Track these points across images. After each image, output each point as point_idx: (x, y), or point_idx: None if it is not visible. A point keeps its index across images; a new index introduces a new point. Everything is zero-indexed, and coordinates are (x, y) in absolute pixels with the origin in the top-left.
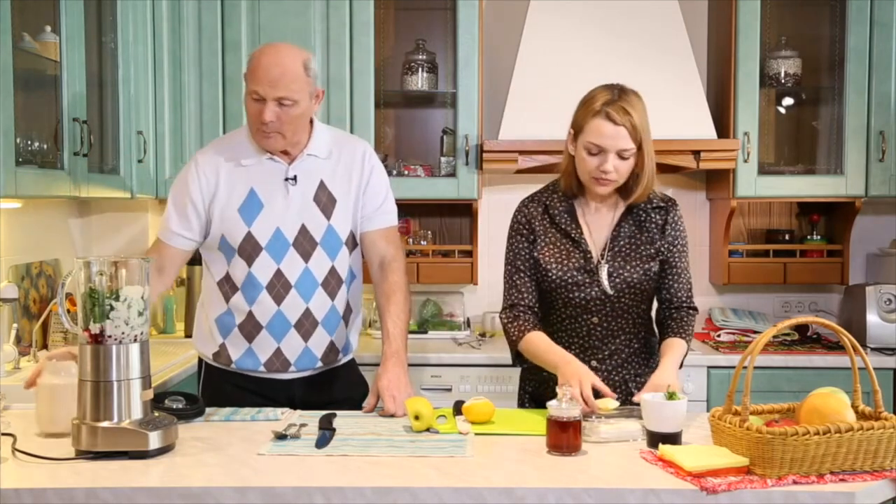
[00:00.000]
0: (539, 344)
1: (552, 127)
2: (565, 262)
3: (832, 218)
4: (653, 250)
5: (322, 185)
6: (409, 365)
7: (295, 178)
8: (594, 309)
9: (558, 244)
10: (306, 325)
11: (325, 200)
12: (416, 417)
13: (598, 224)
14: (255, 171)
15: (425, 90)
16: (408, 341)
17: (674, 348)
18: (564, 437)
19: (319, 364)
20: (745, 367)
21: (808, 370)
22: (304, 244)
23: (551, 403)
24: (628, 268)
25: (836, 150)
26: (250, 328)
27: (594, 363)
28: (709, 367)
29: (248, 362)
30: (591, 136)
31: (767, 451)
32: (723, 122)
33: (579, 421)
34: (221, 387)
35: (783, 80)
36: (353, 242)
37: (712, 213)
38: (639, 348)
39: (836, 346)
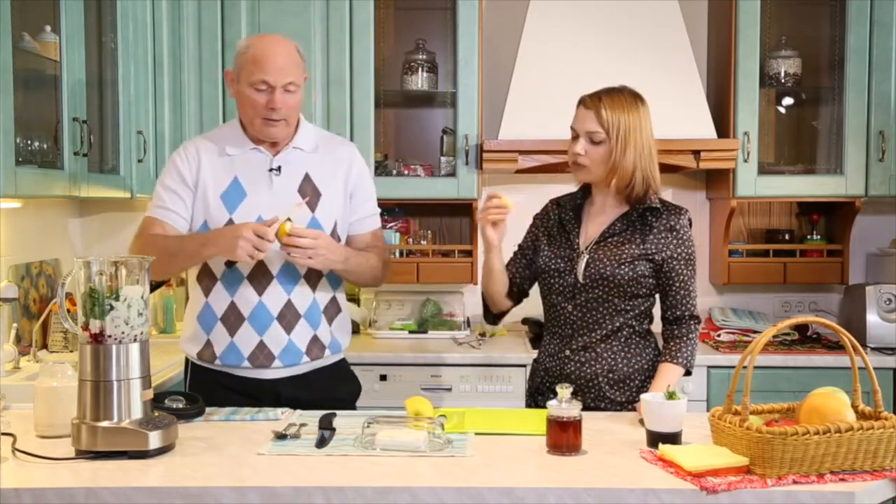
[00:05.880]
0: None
1: (552, 127)
2: (555, 250)
3: (832, 218)
4: (637, 251)
5: (307, 178)
6: (409, 364)
7: (279, 169)
8: (569, 296)
9: (557, 237)
10: (288, 316)
11: (309, 193)
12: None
13: (596, 221)
14: (239, 160)
15: (425, 90)
16: (352, 261)
17: (660, 376)
18: (564, 437)
19: (305, 359)
20: (745, 367)
21: (807, 370)
22: None
23: (551, 403)
24: (605, 261)
25: (835, 149)
26: (233, 321)
27: (567, 352)
28: (709, 367)
29: (231, 357)
30: (572, 122)
31: (767, 451)
32: (723, 121)
33: (579, 421)
34: (207, 386)
35: (783, 80)
36: (336, 238)
37: (712, 213)
38: (618, 348)
39: (836, 346)
